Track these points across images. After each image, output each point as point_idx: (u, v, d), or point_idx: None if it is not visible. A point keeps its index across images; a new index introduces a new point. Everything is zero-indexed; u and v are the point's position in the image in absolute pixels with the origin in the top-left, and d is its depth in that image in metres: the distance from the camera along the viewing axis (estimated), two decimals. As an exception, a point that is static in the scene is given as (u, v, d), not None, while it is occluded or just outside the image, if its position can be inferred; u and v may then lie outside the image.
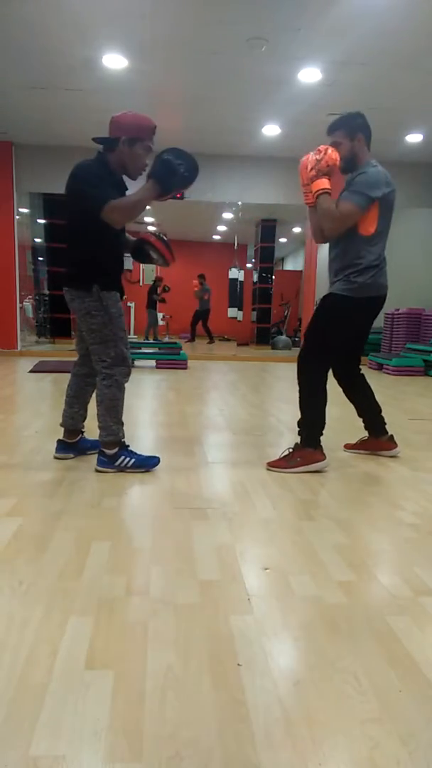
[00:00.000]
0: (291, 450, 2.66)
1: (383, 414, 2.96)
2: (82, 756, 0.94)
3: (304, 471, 2.59)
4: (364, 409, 2.94)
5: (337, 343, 2.66)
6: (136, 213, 2.36)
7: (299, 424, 2.66)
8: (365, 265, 2.52)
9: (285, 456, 2.66)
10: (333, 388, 2.92)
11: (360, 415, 2.96)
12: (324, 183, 2.47)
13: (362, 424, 3.00)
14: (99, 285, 2.40)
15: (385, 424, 2.96)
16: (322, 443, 2.66)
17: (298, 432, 2.67)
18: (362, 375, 2.91)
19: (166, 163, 2.27)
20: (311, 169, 2.47)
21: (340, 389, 2.93)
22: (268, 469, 2.62)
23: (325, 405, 2.65)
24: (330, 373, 2.81)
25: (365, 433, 3.01)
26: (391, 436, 2.97)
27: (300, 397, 2.66)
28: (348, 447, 3.06)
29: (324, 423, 2.66)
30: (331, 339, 2.63)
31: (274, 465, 2.64)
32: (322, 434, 2.66)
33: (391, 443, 2.96)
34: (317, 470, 2.60)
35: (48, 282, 10.67)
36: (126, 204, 2.31)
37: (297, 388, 2.67)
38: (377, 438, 2.97)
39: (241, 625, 1.34)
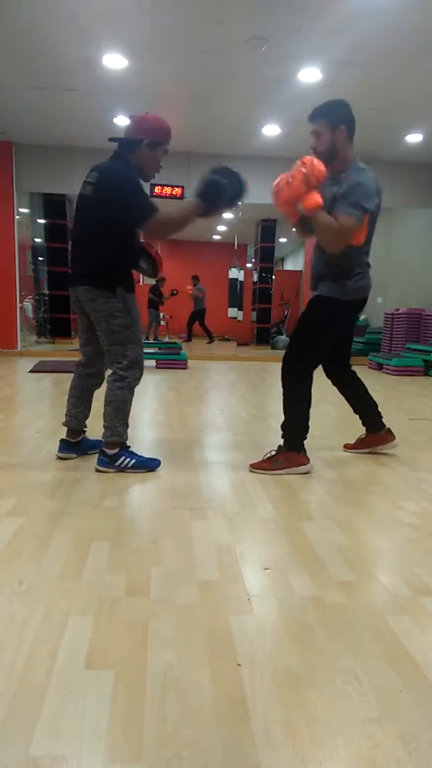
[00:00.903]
0: (274, 452, 2.65)
1: (381, 412, 2.96)
2: (82, 756, 0.94)
3: (288, 473, 2.58)
4: (359, 406, 2.94)
5: (324, 345, 2.64)
6: (179, 229, 2.44)
7: (282, 427, 2.65)
8: (355, 270, 2.52)
9: (269, 458, 2.64)
10: (331, 387, 2.92)
11: (356, 412, 2.96)
12: (317, 198, 2.31)
13: (360, 422, 3.00)
14: (124, 287, 2.44)
15: (381, 417, 2.96)
16: (307, 446, 2.65)
17: (282, 435, 2.66)
18: (353, 372, 2.91)
19: (215, 185, 2.33)
20: (301, 182, 2.30)
21: (337, 389, 2.93)
22: (251, 471, 2.61)
23: (308, 408, 2.63)
24: (324, 375, 2.81)
25: (364, 432, 3.01)
26: (389, 429, 2.97)
27: (284, 400, 2.64)
28: (348, 447, 3.06)
29: (307, 426, 2.65)
30: (318, 341, 2.61)
31: (257, 467, 2.62)
32: (305, 438, 2.65)
33: (389, 435, 2.96)
34: (301, 473, 2.59)
35: (48, 282, 10.66)
36: (172, 220, 2.39)
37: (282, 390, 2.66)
38: (375, 433, 2.97)
39: (241, 625, 1.34)
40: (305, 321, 2.63)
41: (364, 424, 2.99)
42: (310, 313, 2.62)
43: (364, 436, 3.01)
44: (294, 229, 2.76)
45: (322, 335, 2.62)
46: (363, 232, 2.45)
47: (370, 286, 2.61)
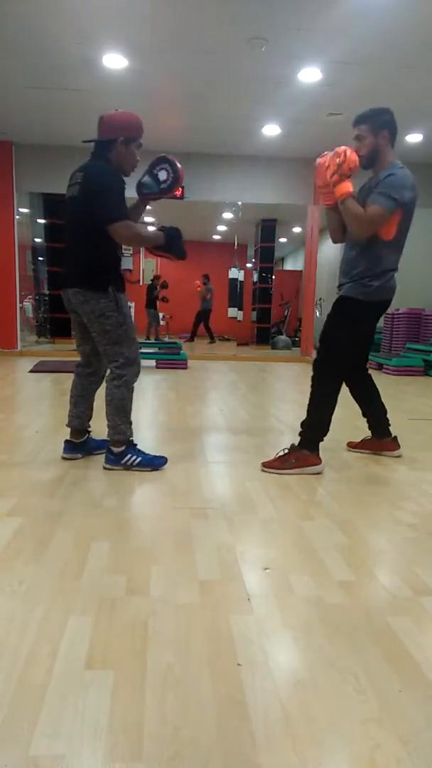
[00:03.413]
0: (287, 451, 2.65)
1: (388, 416, 2.95)
2: (82, 756, 0.94)
3: (299, 473, 2.58)
4: (368, 410, 2.94)
5: (350, 346, 2.64)
6: (140, 244, 2.59)
7: (302, 424, 2.66)
8: (382, 270, 2.51)
9: (280, 457, 2.65)
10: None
11: (364, 415, 2.96)
12: (348, 186, 2.40)
13: (365, 424, 2.99)
14: (114, 286, 2.44)
15: (389, 425, 2.96)
16: (319, 446, 2.66)
17: (299, 432, 2.66)
18: (369, 376, 2.90)
19: (176, 237, 2.51)
20: (333, 173, 2.38)
21: (349, 390, 2.92)
22: (263, 470, 2.62)
23: (332, 411, 2.64)
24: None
25: (366, 433, 3.01)
26: (395, 437, 2.97)
27: (310, 400, 2.65)
28: (351, 446, 3.06)
29: (327, 429, 2.65)
30: (343, 343, 2.61)
31: (268, 465, 2.63)
32: (322, 439, 2.65)
33: (394, 444, 2.95)
34: (313, 473, 2.59)
35: (48, 282, 10.66)
36: (138, 234, 2.46)
37: (297, 387, 2.66)
38: (380, 439, 2.96)
39: (241, 625, 1.34)
40: (330, 324, 2.63)
41: (370, 428, 2.98)
42: (335, 316, 2.62)
43: (368, 438, 3.01)
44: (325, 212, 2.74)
45: (347, 337, 2.61)
46: (393, 225, 2.44)
47: (394, 287, 2.59)
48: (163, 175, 2.53)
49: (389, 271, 2.54)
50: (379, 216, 2.39)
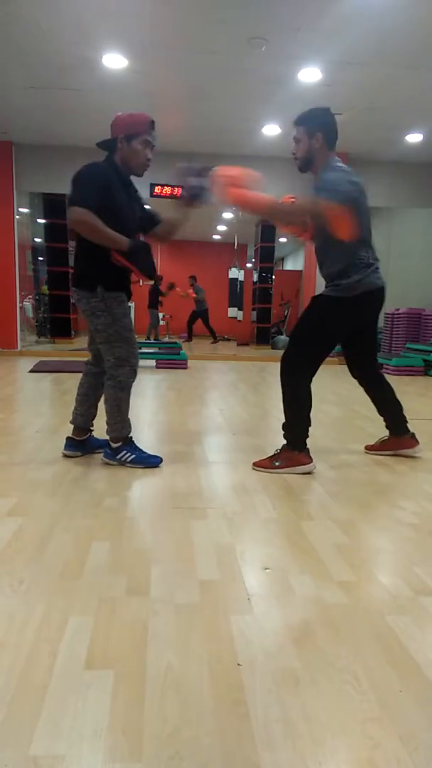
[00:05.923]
0: (278, 451, 2.66)
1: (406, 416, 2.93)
2: (82, 756, 0.94)
3: (288, 473, 2.58)
4: (383, 408, 2.91)
5: (322, 343, 2.61)
6: (94, 238, 2.33)
7: (283, 426, 2.66)
8: (349, 269, 2.50)
9: (271, 456, 2.66)
10: (332, 388, 2.92)
11: (381, 414, 2.94)
12: (242, 193, 2.40)
13: (366, 424, 2.98)
14: (103, 285, 2.43)
15: (406, 422, 2.93)
16: (308, 445, 2.65)
17: (283, 435, 2.66)
18: (380, 373, 2.87)
19: (142, 250, 2.41)
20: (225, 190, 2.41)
21: (339, 389, 2.92)
22: (254, 468, 2.63)
23: (309, 408, 2.62)
24: (321, 375, 2.80)
25: (366, 432, 3.00)
26: (413, 434, 2.95)
27: (283, 399, 2.64)
28: (369, 448, 3.03)
29: (308, 425, 2.64)
30: (313, 340, 2.60)
31: (258, 464, 2.64)
32: (307, 436, 2.64)
33: (413, 441, 2.93)
34: (302, 473, 2.59)
35: (48, 282, 10.66)
36: (93, 226, 2.29)
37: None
38: (398, 437, 2.94)
39: (241, 625, 1.34)
40: (301, 320, 2.65)
41: (387, 427, 2.96)
42: (306, 312, 2.64)
43: (386, 438, 2.98)
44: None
45: (317, 334, 2.60)
46: (346, 223, 2.41)
47: (371, 282, 2.53)
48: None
49: (360, 267, 2.50)
50: (327, 207, 2.37)
